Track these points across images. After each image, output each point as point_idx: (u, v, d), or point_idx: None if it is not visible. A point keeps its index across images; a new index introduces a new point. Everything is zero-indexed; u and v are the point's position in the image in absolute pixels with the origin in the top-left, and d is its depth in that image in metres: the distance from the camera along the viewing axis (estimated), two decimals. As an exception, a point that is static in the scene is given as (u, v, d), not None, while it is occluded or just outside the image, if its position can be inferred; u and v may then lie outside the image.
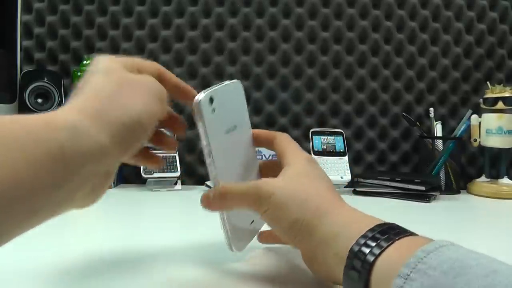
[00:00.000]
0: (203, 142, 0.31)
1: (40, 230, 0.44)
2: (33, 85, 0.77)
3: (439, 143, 0.82)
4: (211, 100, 0.31)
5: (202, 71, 0.87)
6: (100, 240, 0.44)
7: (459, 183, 0.81)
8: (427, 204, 0.69)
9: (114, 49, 0.86)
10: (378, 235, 0.24)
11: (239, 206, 0.31)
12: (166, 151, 0.34)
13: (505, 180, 0.80)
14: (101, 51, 0.86)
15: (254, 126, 0.93)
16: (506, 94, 0.77)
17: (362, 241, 0.24)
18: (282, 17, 0.88)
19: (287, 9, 0.88)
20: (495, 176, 0.83)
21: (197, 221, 0.55)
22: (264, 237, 0.38)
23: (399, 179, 0.73)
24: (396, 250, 0.23)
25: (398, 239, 0.23)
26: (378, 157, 0.90)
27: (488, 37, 0.91)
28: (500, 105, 0.78)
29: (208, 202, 0.31)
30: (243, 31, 0.87)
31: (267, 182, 0.30)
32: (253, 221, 0.35)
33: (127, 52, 0.86)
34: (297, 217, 0.28)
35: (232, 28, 0.87)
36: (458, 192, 0.81)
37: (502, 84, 0.81)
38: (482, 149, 0.84)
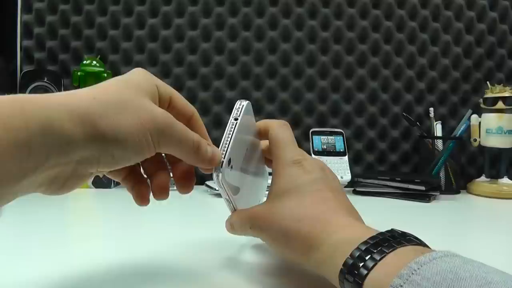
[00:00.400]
0: (224, 196, 0.32)
1: (40, 230, 0.44)
2: (33, 85, 0.77)
3: (439, 143, 0.82)
4: (229, 162, 0.31)
5: (202, 71, 0.87)
6: (100, 240, 0.44)
7: (459, 183, 0.81)
8: (427, 204, 0.69)
9: (114, 49, 0.86)
10: (363, 254, 0.24)
11: (244, 234, 0.33)
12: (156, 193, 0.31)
13: (505, 180, 0.80)
14: (101, 51, 0.86)
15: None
16: (506, 94, 0.77)
17: (350, 262, 0.24)
18: (282, 17, 0.88)
19: (287, 9, 0.88)
20: (495, 176, 0.83)
21: (197, 221, 0.55)
22: None
23: (399, 179, 0.73)
24: (383, 267, 0.22)
25: (381, 258, 0.23)
26: (378, 157, 0.90)
27: (488, 37, 0.91)
28: (500, 105, 0.78)
29: (228, 229, 0.34)
30: (243, 31, 0.88)
31: (257, 218, 0.31)
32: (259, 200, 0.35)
33: (127, 52, 0.86)
34: (286, 250, 0.29)
35: (232, 28, 0.87)
36: (458, 192, 0.81)
37: (502, 84, 0.81)
38: (482, 149, 0.84)
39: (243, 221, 0.32)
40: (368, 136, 0.90)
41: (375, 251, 0.23)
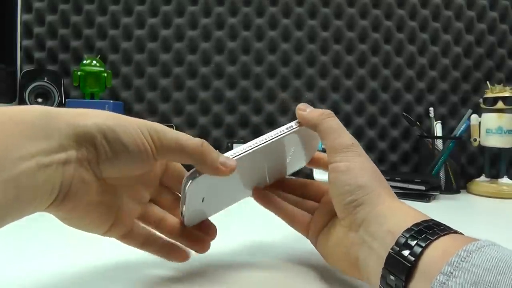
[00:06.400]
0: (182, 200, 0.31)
1: (40, 232, 0.44)
2: (33, 85, 0.77)
3: (439, 143, 0.82)
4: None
5: (202, 71, 0.87)
6: (100, 241, 0.44)
7: (459, 182, 0.81)
8: (427, 203, 0.69)
9: (114, 49, 0.86)
10: (424, 229, 0.24)
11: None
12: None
13: (505, 180, 0.80)
14: (101, 51, 0.86)
15: (253, 125, 0.93)
16: (506, 94, 0.77)
17: (408, 234, 0.24)
18: (282, 17, 0.88)
19: (287, 9, 0.88)
20: (495, 175, 0.83)
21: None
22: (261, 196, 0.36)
23: (399, 178, 0.73)
24: (439, 246, 0.23)
25: (443, 235, 0.24)
26: (378, 157, 0.90)
27: (488, 37, 0.91)
28: (500, 104, 0.78)
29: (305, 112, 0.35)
30: (243, 31, 0.88)
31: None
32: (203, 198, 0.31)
33: (127, 52, 0.86)
34: (367, 184, 0.29)
35: (232, 27, 0.87)
36: (458, 192, 0.81)
37: (502, 84, 0.81)
38: (482, 148, 0.84)
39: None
40: (368, 136, 0.90)
41: (437, 228, 0.24)
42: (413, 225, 0.25)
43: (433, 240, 0.23)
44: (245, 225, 0.51)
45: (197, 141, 0.28)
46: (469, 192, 0.82)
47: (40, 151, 0.22)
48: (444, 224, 0.25)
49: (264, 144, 0.31)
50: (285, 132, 0.32)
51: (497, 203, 0.72)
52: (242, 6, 0.87)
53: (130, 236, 0.30)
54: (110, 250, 0.33)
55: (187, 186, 0.28)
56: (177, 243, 0.32)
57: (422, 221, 0.25)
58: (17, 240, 0.41)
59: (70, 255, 0.38)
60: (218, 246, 0.34)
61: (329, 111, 0.33)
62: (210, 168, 0.29)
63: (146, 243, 0.31)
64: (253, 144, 0.30)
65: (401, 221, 0.26)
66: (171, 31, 0.87)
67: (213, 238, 0.33)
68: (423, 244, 0.23)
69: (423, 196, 0.70)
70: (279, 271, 0.34)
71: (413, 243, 0.23)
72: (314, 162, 0.38)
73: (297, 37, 0.88)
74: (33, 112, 0.23)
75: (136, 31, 0.86)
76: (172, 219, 0.32)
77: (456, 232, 0.25)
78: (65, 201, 0.25)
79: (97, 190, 0.26)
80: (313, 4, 0.87)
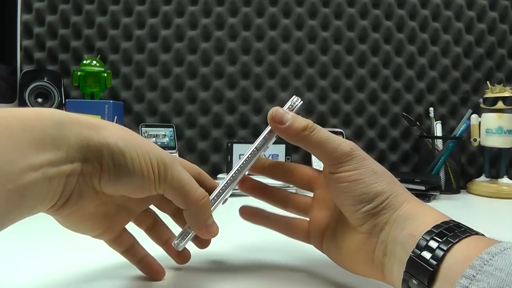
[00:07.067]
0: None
1: (39, 232, 0.44)
2: (33, 85, 0.77)
3: (439, 143, 0.82)
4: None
5: (202, 71, 0.87)
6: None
7: (459, 182, 0.81)
8: (427, 204, 0.69)
9: (114, 49, 0.86)
10: (445, 232, 0.24)
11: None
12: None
13: (505, 180, 0.80)
14: (101, 51, 0.86)
15: (253, 125, 0.93)
16: (506, 94, 0.77)
17: (428, 237, 0.24)
18: (282, 16, 0.88)
19: (287, 9, 0.88)
20: (495, 175, 0.83)
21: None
22: (248, 214, 0.36)
23: (399, 178, 0.72)
24: (461, 249, 0.23)
25: (465, 237, 0.23)
26: (378, 157, 0.90)
27: (488, 37, 0.91)
28: (500, 105, 0.78)
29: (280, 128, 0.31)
30: (243, 31, 0.88)
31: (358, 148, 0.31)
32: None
33: (127, 52, 0.86)
34: (384, 189, 0.28)
35: (232, 27, 0.87)
36: (458, 192, 0.81)
37: (502, 84, 0.81)
38: (482, 148, 0.84)
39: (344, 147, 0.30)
40: (368, 136, 0.90)
41: (458, 230, 0.24)
42: (433, 227, 0.24)
43: (454, 243, 0.23)
44: (245, 225, 0.51)
45: (199, 194, 0.28)
46: (469, 192, 0.82)
47: (47, 162, 0.22)
48: (465, 225, 0.25)
49: (242, 173, 0.31)
50: (262, 148, 0.32)
51: (497, 203, 0.72)
52: (242, 6, 0.87)
53: (116, 241, 0.31)
54: (109, 249, 0.33)
55: (180, 246, 0.31)
56: (157, 261, 0.32)
57: (442, 223, 0.25)
58: (17, 240, 0.41)
59: (70, 254, 0.38)
60: (218, 246, 0.34)
61: (311, 123, 0.30)
62: (195, 225, 0.30)
63: (128, 251, 0.31)
64: (233, 176, 0.31)
65: (421, 223, 0.25)
66: (171, 31, 0.87)
67: (205, 247, 0.34)
68: (445, 248, 0.23)
69: (423, 196, 0.70)
70: (279, 273, 0.34)
71: (434, 245, 0.23)
72: None
73: (297, 37, 0.88)
74: (45, 119, 0.23)
75: (136, 31, 0.86)
76: (162, 228, 0.33)
77: (477, 233, 0.24)
78: (61, 208, 0.25)
79: (94, 203, 0.27)
80: (313, 4, 0.88)
